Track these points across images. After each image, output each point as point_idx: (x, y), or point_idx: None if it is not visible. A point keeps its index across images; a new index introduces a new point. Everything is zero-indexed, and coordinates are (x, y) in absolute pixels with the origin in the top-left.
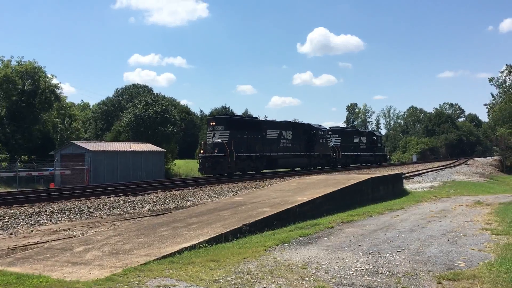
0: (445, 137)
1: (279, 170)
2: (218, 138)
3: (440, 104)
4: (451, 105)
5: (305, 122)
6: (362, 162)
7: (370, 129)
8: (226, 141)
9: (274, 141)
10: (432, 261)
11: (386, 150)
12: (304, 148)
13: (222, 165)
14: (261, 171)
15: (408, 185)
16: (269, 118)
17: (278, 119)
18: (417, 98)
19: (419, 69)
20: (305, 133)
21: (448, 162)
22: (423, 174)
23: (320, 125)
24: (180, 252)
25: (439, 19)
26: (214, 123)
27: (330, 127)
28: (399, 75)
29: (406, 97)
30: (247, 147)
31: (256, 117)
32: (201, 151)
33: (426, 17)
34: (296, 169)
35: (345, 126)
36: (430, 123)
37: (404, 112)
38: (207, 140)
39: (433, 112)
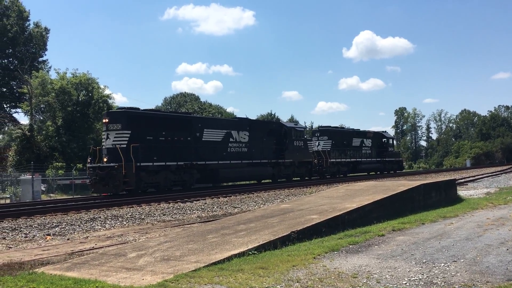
0: (501, 141)
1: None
2: (112, 141)
3: (495, 107)
4: (507, 107)
5: (274, 120)
6: (366, 170)
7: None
8: (124, 146)
9: (218, 145)
10: (491, 271)
11: (401, 155)
12: (270, 154)
13: (115, 180)
14: (193, 187)
15: (462, 192)
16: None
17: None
18: (470, 101)
19: (471, 71)
20: (271, 134)
21: (504, 167)
22: (478, 180)
23: (297, 124)
24: (229, 259)
25: (491, 19)
26: (107, 120)
27: (318, 127)
28: (451, 78)
29: (458, 100)
30: (166, 153)
31: (186, 113)
32: (88, 160)
33: (477, 17)
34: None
35: (339, 126)
36: (485, 127)
37: (457, 116)
38: (102, 144)
39: (487, 115)
